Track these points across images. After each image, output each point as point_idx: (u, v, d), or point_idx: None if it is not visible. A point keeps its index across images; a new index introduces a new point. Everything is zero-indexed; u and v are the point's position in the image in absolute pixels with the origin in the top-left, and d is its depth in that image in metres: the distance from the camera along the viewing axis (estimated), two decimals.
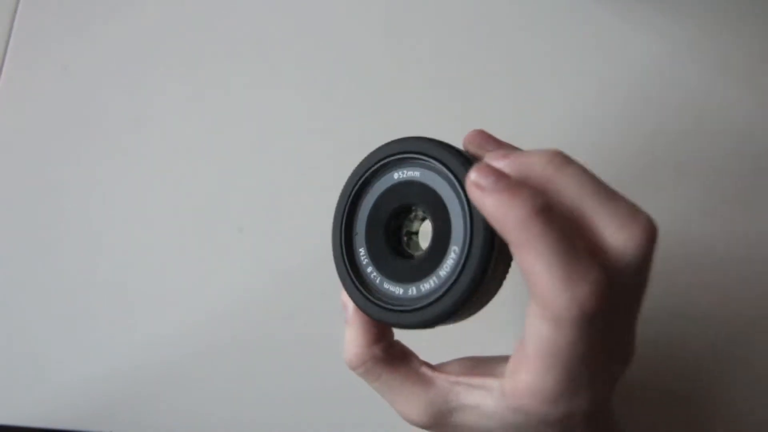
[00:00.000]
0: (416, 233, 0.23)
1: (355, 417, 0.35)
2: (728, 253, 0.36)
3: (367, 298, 0.22)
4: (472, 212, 0.20)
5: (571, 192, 0.18)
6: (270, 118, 0.38)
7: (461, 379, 0.22)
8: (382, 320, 0.22)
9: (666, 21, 0.38)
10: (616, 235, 0.18)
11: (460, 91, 0.38)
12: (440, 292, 0.20)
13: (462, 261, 0.20)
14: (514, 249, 0.18)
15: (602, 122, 0.37)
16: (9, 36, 0.40)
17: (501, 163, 0.19)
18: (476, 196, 0.18)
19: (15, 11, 0.40)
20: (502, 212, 0.18)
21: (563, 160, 0.19)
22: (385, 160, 0.22)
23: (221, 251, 0.37)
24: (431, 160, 0.21)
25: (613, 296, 0.18)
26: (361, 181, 0.22)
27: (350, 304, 0.23)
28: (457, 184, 0.20)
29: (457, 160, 0.20)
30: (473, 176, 0.18)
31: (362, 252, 0.23)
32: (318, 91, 0.39)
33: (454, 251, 0.20)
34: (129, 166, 0.38)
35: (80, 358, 0.36)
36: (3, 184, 0.38)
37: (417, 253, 0.22)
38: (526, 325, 0.19)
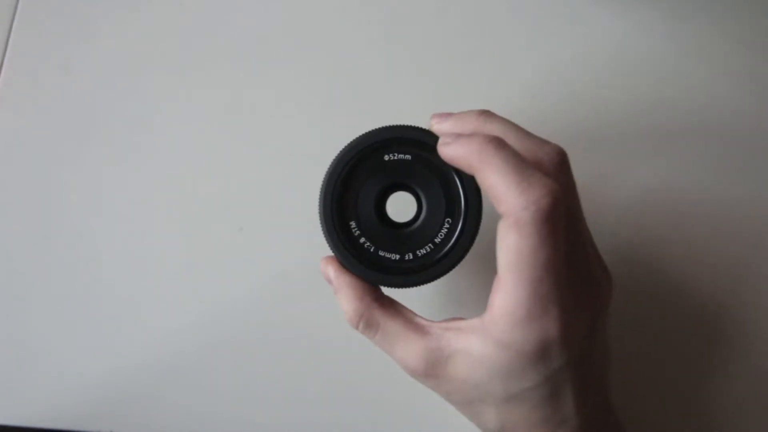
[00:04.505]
0: (419, 203, 0.26)
1: (354, 417, 0.35)
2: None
3: (365, 265, 0.25)
4: (466, 191, 0.25)
5: (498, 132, 0.24)
6: (271, 118, 0.38)
7: (451, 324, 0.24)
8: (382, 283, 0.26)
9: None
10: (513, 207, 0.22)
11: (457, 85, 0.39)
12: (437, 256, 0.25)
13: (458, 230, 0.25)
14: (478, 174, 0.22)
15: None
16: (9, 36, 0.40)
17: (447, 123, 0.25)
18: (445, 150, 0.24)
19: (15, 11, 0.40)
20: (464, 149, 0.23)
21: (489, 113, 0.25)
22: (376, 144, 0.25)
23: (221, 251, 0.37)
24: (423, 144, 0.25)
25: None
26: (351, 162, 0.25)
27: (332, 274, 0.26)
28: (450, 168, 0.25)
29: None
30: (441, 139, 0.24)
31: (353, 225, 0.26)
32: (321, 93, 0.39)
33: (448, 222, 0.25)
34: (129, 166, 0.38)
35: (80, 358, 0.36)
36: (2, 184, 0.38)
37: (405, 224, 0.26)
38: (497, 244, 0.22)
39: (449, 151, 0.24)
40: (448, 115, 0.26)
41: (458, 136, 0.24)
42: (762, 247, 0.36)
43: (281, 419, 0.35)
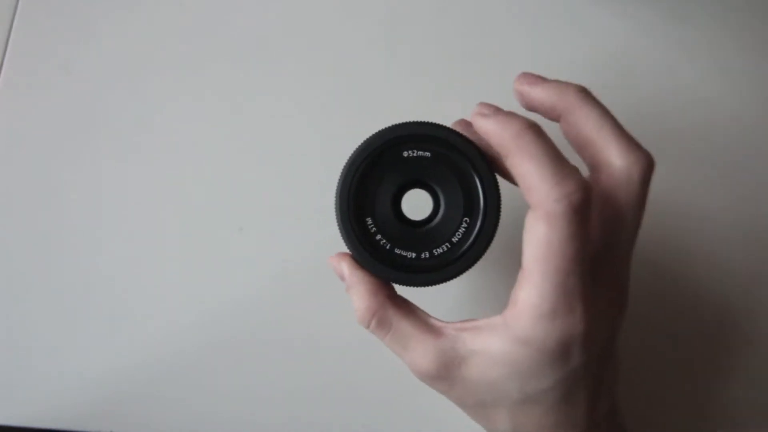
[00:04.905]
0: (437, 201, 0.26)
1: (354, 417, 0.35)
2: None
3: (380, 262, 0.25)
4: (486, 191, 0.24)
5: (593, 119, 0.22)
6: (271, 118, 0.38)
7: (467, 324, 0.23)
8: (398, 281, 0.25)
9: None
10: (622, 157, 0.22)
11: (455, 83, 0.39)
12: (454, 255, 0.25)
13: (476, 230, 0.24)
14: (511, 160, 0.21)
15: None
16: (9, 36, 0.40)
17: (536, 90, 0.23)
18: (480, 122, 0.22)
19: (15, 11, 0.40)
20: (500, 128, 0.22)
21: (587, 94, 0.23)
22: (395, 140, 0.25)
23: (221, 251, 0.37)
24: (443, 141, 0.25)
25: (607, 212, 0.22)
26: (369, 157, 0.25)
27: (345, 270, 0.25)
28: (467, 163, 0.25)
29: (465, 142, 0.25)
30: (478, 109, 0.23)
31: (369, 222, 0.25)
32: (321, 93, 0.39)
33: (465, 221, 0.25)
34: (129, 166, 0.38)
35: (80, 358, 0.36)
36: (2, 184, 0.38)
37: (421, 222, 0.26)
38: (524, 236, 0.21)
39: (485, 125, 0.22)
40: (541, 80, 0.24)
41: (497, 110, 0.22)
42: (762, 247, 0.36)
43: (281, 419, 0.35)
